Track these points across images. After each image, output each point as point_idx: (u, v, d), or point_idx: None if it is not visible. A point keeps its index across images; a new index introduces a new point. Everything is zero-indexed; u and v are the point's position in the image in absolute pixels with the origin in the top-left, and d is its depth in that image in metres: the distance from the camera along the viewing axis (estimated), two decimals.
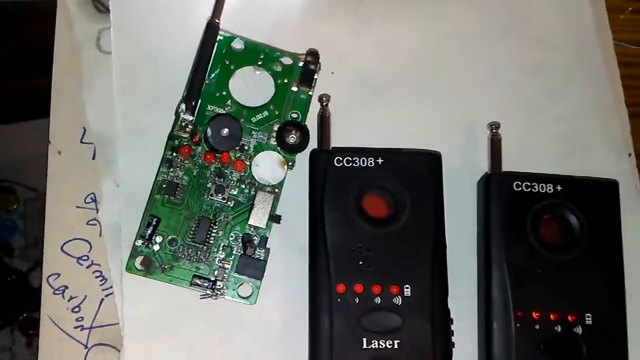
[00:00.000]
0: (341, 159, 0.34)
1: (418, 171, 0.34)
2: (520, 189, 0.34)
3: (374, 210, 0.34)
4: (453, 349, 0.32)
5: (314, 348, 0.32)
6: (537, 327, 0.32)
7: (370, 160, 0.34)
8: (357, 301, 0.32)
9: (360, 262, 0.33)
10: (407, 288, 0.32)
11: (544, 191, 0.34)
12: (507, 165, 0.36)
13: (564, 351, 0.32)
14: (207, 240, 0.33)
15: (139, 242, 0.33)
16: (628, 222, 0.36)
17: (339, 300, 0.32)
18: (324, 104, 0.35)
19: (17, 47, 0.64)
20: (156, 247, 0.33)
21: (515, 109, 0.39)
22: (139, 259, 0.33)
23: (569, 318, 0.32)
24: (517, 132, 0.37)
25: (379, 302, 0.32)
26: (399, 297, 0.32)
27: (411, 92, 0.38)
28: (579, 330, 0.32)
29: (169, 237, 0.33)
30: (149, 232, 0.33)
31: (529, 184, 0.34)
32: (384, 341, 0.32)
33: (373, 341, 0.32)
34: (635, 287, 0.34)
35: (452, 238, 0.35)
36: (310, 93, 0.36)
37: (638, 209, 0.38)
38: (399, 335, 0.32)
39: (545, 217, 0.34)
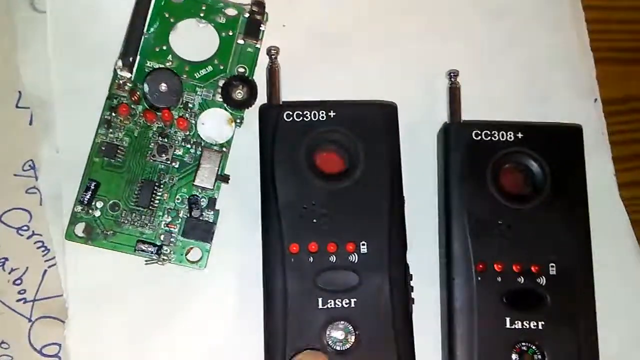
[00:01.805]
0: (291, 113, 0.32)
1: (372, 123, 0.32)
2: (479, 137, 0.33)
3: (327, 166, 0.32)
4: (413, 305, 0.31)
5: (269, 310, 0.30)
6: (499, 279, 0.31)
7: (322, 113, 0.32)
8: (312, 260, 0.31)
9: (314, 220, 0.31)
10: (363, 245, 0.31)
11: (504, 139, 0.33)
12: (470, 115, 0.34)
13: (528, 302, 0.31)
14: (152, 203, 0.32)
15: (78, 208, 0.31)
16: (594, 169, 0.34)
17: (292, 260, 0.30)
18: (273, 56, 0.33)
19: None
20: (97, 213, 0.31)
21: (477, 56, 0.37)
22: (80, 226, 0.31)
23: (532, 269, 0.31)
24: (479, 80, 0.36)
25: (335, 260, 0.31)
26: (355, 254, 0.31)
27: (367, 43, 0.36)
28: (542, 280, 0.31)
29: (111, 202, 0.32)
30: (87, 197, 0.31)
31: (488, 132, 0.33)
32: (340, 300, 0.30)
33: (329, 301, 0.30)
34: (601, 235, 0.33)
35: (413, 192, 0.33)
36: (257, 46, 0.34)
37: (604, 155, 0.36)
38: (356, 294, 0.30)
39: (506, 166, 0.33)
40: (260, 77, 0.34)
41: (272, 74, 0.33)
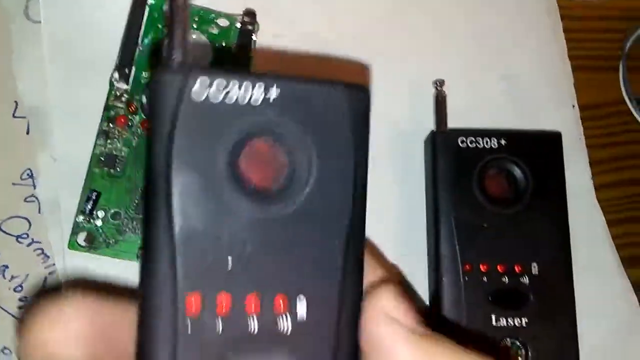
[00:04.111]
0: None
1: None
2: (465, 145, 0.34)
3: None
4: None
5: None
6: (485, 279, 0.33)
7: None
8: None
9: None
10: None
11: (488, 146, 0.34)
12: (456, 123, 0.35)
13: (512, 301, 0.33)
14: None
15: (80, 218, 0.32)
16: (573, 172, 0.36)
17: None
18: None
19: None
20: (99, 222, 0.32)
21: (461, 65, 0.38)
22: (82, 235, 0.32)
23: (516, 269, 0.33)
24: (463, 88, 0.37)
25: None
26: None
27: (358, 54, 0.37)
28: (525, 280, 0.33)
29: (112, 211, 0.32)
30: (89, 206, 0.32)
31: (473, 139, 0.34)
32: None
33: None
34: (579, 235, 0.35)
35: (403, 198, 0.35)
36: (250, 55, 0.35)
37: (582, 159, 0.38)
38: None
39: (490, 172, 0.34)
40: None
41: None
